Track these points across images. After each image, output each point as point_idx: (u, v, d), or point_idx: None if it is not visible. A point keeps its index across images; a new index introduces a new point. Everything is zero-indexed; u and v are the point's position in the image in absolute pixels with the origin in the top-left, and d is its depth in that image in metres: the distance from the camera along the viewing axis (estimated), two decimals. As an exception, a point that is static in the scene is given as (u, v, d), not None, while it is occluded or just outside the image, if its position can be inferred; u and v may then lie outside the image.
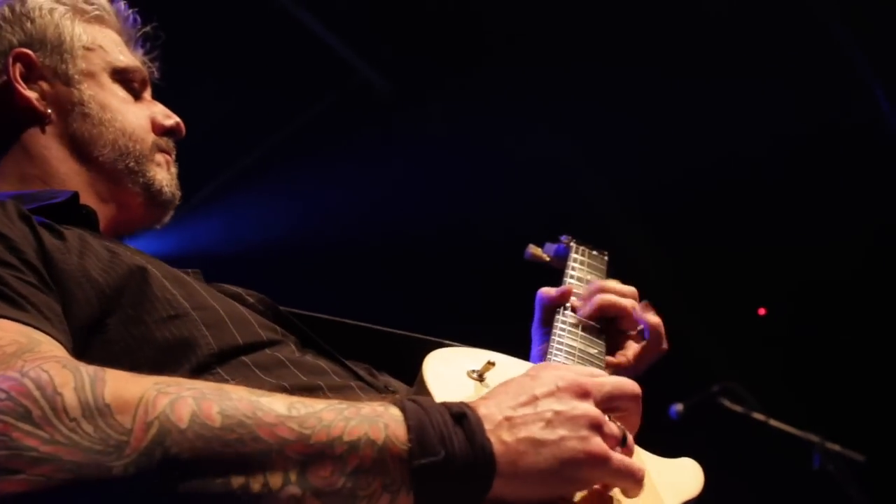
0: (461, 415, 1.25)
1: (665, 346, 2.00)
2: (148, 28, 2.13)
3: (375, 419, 1.23)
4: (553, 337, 1.87)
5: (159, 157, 1.98)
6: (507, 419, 1.26)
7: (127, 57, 2.03)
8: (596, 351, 1.86)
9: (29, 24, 1.94)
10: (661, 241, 6.31)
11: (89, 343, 1.42)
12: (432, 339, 1.72)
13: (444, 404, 1.27)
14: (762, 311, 6.73)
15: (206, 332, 1.54)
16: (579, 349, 1.84)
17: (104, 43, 2.00)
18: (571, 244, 2.35)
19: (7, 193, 1.70)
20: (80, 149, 1.91)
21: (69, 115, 1.92)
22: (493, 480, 1.23)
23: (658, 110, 5.47)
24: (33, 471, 1.10)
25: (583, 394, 1.32)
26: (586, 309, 1.98)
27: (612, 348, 1.98)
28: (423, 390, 1.43)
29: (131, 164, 1.93)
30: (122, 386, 1.18)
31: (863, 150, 5.69)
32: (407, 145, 5.80)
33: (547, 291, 2.07)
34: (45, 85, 1.93)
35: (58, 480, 1.10)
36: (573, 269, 2.21)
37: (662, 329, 2.00)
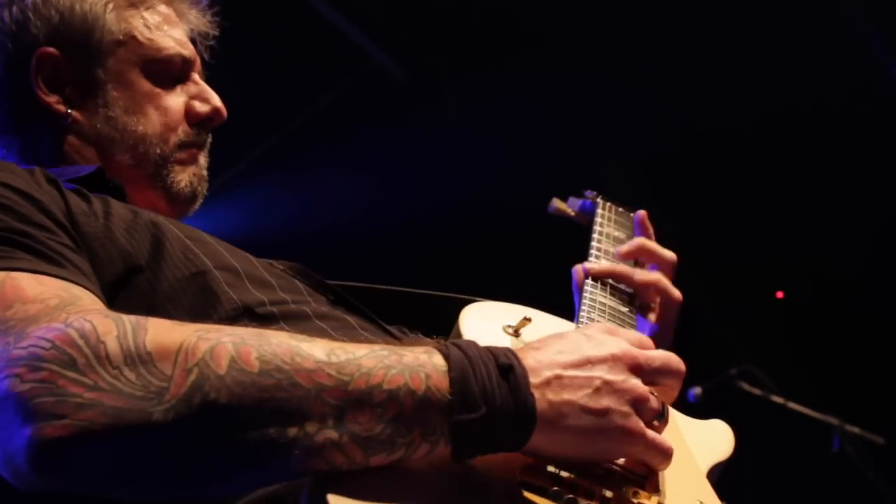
0: (508, 367, 1.24)
1: (677, 295, 2.01)
2: None
3: (417, 368, 1.22)
4: (585, 294, 1.87)
5: (183, 155, 1.93)
6: (557, 378, 1.26)
7: (166, 40, 1.93)
8: (627, 309, 1.86)
9: (57, 19, 1.87)
10: (679, 224, 6.28)
11: (115, 301, 1.43)
12: (465, 296, 1.70)
13: (491, 352, 1.26)
14: (780, 294, 6.71)
15: (228, 289, 1.55)
16: (610, 307, 1.84)
17: (139, 31, 1.90)
18: (598, 199, 2.32)
19: (30, 168, 1.68)
20: (101, 150, 1.87)
21: (92, 118, 1.87)
22: (532, 436, 1.23)
23: (679, 90, 5.45)
24: (77, 416, 1.13)
25: (635, 367, 1.33)
26: (625, 249, 2.04)
27: (640, 308, 1.99)
28: None
29: (150, 169, 1.89)
30: (163, 333, 1.20)
31: (885, 131, 5.66)
32: (423, 132, 5.80)
33: (578, 270, 2.05)
34: (68, 87, 1.88)
35: (100, 425, 1.13)
36: (600, 224, 2.19)
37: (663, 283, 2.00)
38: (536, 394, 1.24)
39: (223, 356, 1.17)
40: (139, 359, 1.17)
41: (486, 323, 1.50)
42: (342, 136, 5.84)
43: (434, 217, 5.85)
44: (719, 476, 1.52)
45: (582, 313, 1.80)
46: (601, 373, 1.29)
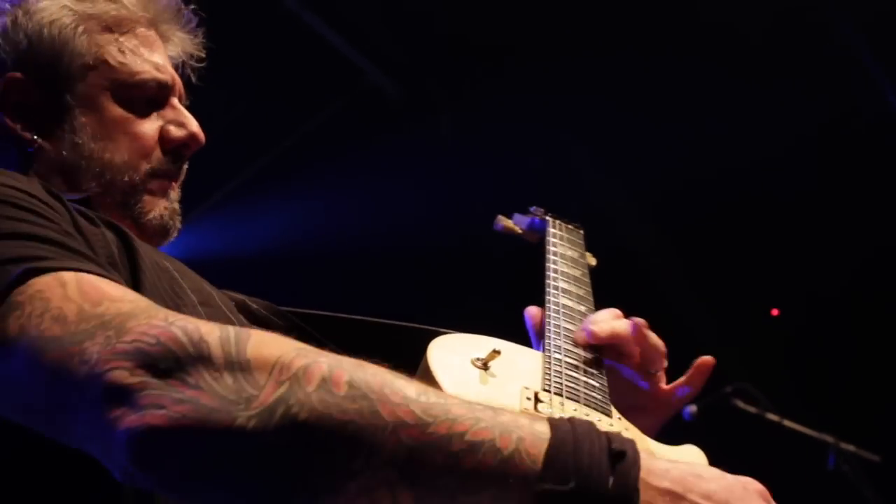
0: (619, 454, 1.14)
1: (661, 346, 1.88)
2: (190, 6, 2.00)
3: (511, 428, 1.15)
4: (548, 320, 1.81)
5: (153, 185, 1.85)
6: (678, 496, 1.17)
7: (144, 64, 1.86)
8: (592, 356, 1.75)
9: (25, 44, 1.80)
10: (673, 242, 6.30)
11: None
12: (431, 328, 1.67)
13: (608, 436, 1.16)
14: (775, 312, 6.71)
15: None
16: (574, 331, 1.78)
17: (111, 55, 1.83)
18: (547, 217, 2.29)
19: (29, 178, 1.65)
20: (69, 177, 1.80)
21: (59, 143, 1.80)
22: None
23: (669, 111, 5.46)
24: (174, 408, 1.15)
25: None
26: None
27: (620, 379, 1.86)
28: (429, 378, 1.41)
29: (118, 197, 1.81)
30: (265, 344, 1.21)
31: (877, 151, 5.67)
32: (416, 150, 5.80)
33: (533, 315, 1.98)
34: (36, 114, 1.81)
35: (191, 420, 1.14)
36: (554, 244, 2.16)
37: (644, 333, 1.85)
38: (645, 494, 1.14)
39: (316, 374, 1.17)
40: (238, 365, 1.18)
41: (453, 357, 1.47)
42: (335, 155, 5.83)
43: (425, 237, 5.83)
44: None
45: (549, 318, 1.77)
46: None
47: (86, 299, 1.27)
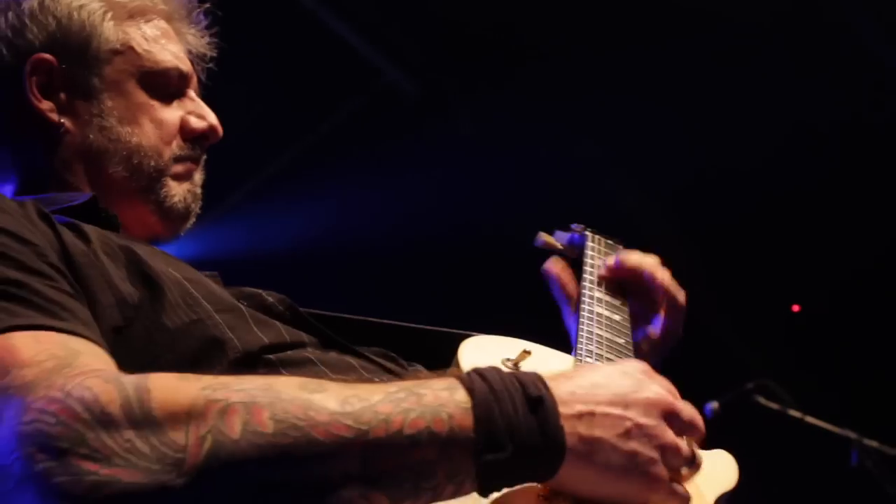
0: (537, 399, 1.21)
1: (682, 299, 2.02)
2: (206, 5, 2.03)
3: (438, 409, 1.19)
4: (581, 326, 1.84)
5: (178, 168, 1.89)
6: (590, 413, 1.24)
7: (163, 54, 1.89)
8: (623, 341, 1.85)
9: (54, 26, 1.83)
10: (693, 237, 6.28)
11: (115, 350, 1.37)
12: (458, 331, 1.68)
13: (519, 381, 1.23)
14: (796, 308, 6.68)
15: (232, 335, 1.52)
16: (607, 338, 1.82)
17: (137, 42, 1.86)
18: (587, 233, 2.33)
19: (25, 197, 1.64)
20: (94, 162, 1.82)
21: (86, 127, 1.83)
22: (559, 470, 1.21)
23: (689, 104, 5.44)
24: (97, 494, 1.09)
25: (669, 414, 1.30)
26: (605, 272, 2.02)
27: (637, 321, 1.99)
28: None
29: (143, 182, 1.84)
30: (169, 395, 1.16)
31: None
32: (434, 149, 5.79)
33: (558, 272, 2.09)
34: (63, 94, 1.83)
35: (119, 502, 1.09)
36: (591, 256, 2.19)
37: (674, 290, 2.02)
38: (567, 426, 1.22)
39: (235, 420, 1.13)
40: (148, 427, 1.12)
41: (484, 356, 1.47)
42: (353, 154, 5.84)
43: (443, 237, 5.83)
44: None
45: (582, 324, 1.82)
46: (635, 415, 1.27)
47: None
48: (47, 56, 1.83)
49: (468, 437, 1.18)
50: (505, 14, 5.27)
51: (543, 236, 2.40)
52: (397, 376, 1.63)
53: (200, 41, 2.01)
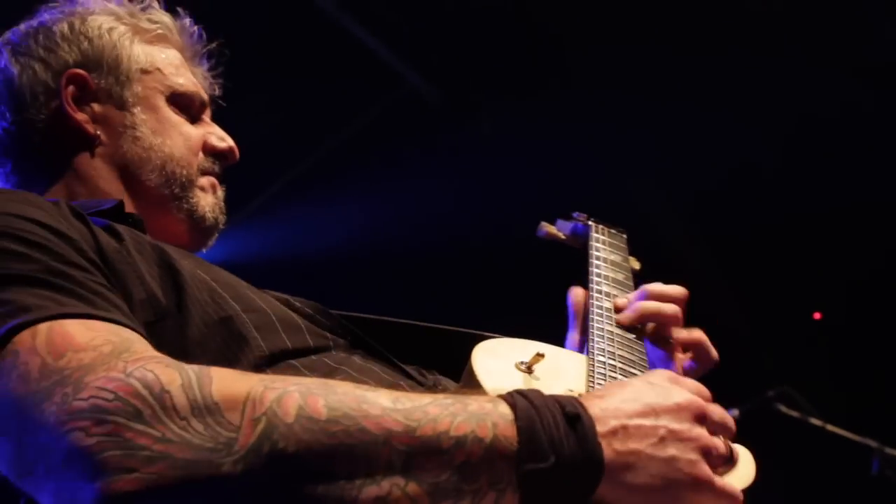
0: (575, 416, 1.23)
1: (714, 356, 1.92)
2: (213, 45, 2.12)
3: (483, 416, 1.22)
4: (592, 323, 1.84)
5: (204, 181, 1.97)
6: (623, 427, 1.26)
7: (186, 79, 2.01)
8: (633, 335, 1.83)
9: (86, 44, 1.93)
10: (714, 245, 6.26)
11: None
12: (476, 332, 1.71)
13: (557, 401, 1.25)
14: (818, 316, 6.66)
15: (257, 335, 1.54)
16: (618, 334, 1.81)
17: (163, 65, 1.98)
18: (590, 223, 2.31)
19: (55, 201, 1.66)
20: (128, 172, 1.89)
21: (119, 138, 1.90)
22: (599, 486, 1.23)
23: (713, 114, 5.43)
24: (147, 469, 1.10)
25: (699, 416, 1.32)
26: (627, 315, 1.88)
27: (656, 350, 1.92)
28: (474, 384, 1.43)
29: (176, 189, 1.91)
30: (229, 383, 1.19)
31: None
32: (457, 152, 5.80)
33: (576, 294, 2.04)
34: (97, 107, 1.91)
35: (170, 478, 1.11)
36: (597, 249, 2.17)
37: (705, 342, 1.91)
38: (603, 443, 1.23)
39: (291, 404, 1.16)
40: (206, 409, 1.15)
41: (498, 361, 1.49)
42: (375, 159, 5.85)
43: (466, 240, 5.84)
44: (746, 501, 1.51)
45: (593, 321, 1.81)
46: (666, 422, 1.28)
47: (50, 351, 1.23)
48: (81, 71, 1.91)
49: (511, 446, 1.20)
50: (527, 16, 5.28)
51: (546, 226, 2.38)
52: (417, 382, 1.65)
53: (208, 83, 2.10)
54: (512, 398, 1.25)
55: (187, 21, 2.09)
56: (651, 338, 1.89)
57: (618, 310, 1.92)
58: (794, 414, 4.96)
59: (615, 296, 1.98)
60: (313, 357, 1.59)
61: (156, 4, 2.05)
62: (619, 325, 1.87)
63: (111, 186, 1.89)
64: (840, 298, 6.28)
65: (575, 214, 2.37)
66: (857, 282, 6.05)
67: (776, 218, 5.95)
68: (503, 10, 5.28)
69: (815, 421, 4.95)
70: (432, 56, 5.61)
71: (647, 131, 5.57)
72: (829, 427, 4.96)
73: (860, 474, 4.93)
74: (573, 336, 2.05)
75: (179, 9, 2.09)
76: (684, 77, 5.34)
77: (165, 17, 2.04)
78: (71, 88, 1.90)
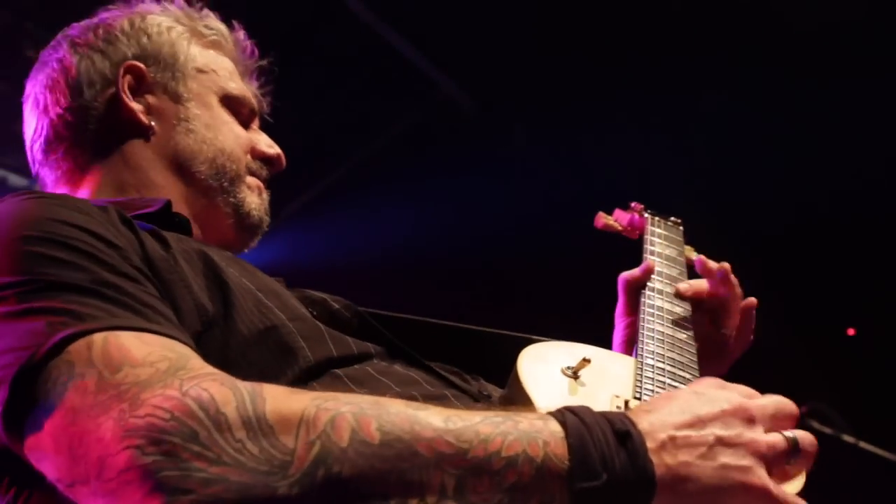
0: (625, 433, 1.23)
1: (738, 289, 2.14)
2: (264, 62, 2.15)
3: (534, 435, 1.21)
4: (642, 322, 1.86)
5: (251, 181, 2.00)
6: (671, 439, 1.25)
7: (238, 85, 2.05)
8: (685, 336, 1.84)
9: (145, 39, 1.98)
10: (748, 259, 6.22)
11: None
12: (521, 335, 1.71)
13: (607, 418, 1.25)
14: (852, 332, 6.60)
15: (304, 344, 1.55)
16: (669, 335, 1.81)
17: (217, 67, 2.03)
18: (646, 214, 2.30)
19: (103, 200, 1.69)
20: (179, 163, 1.92)
21: (173, 130, 1.94)
22: (652, 502, 1.22)
23: (750, 122, 5.41)
24: (204, 491, 1.11)
25: (748, 419, 1.31)
26: (683, 288, 2.05)
27: (702, 330, 2.01)
28: (519, 391, 1.43)
29: (225, 183, 1.94)
30: (283, 403, 1.19)
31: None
32: (492, 163, 5.80)
33: (630, 273, 2.10)
34: (152, 99, 1.95)
35: (227, 501, 1.11)
36: (652, 242, 2.18)
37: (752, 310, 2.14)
38: (654, 458, 1.23)
39: (344, 428, 1.16)
40: (261, 431, 1.15)
41: (543, 366, 1.49)
42: (409, 167, 5.86)
43: (500, 247, 5.84)
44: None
45: (643, 320, 1.83)
46: (714, 430, 1.27)
47: (107, 364, 1.24)
48: (139, 63, 1.96)
49: (563, 464, 1.20)
50: (558, 23, 5.28)
51: (603, 217, 2.37)
52: (461, 390, 1.65)
53: (255, 99, 2.13)
54: (562, 415, 1.25)
55: (241, 34, 2.13)
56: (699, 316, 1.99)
57: (660, 290, 2.00)
58: (827, 430, 4.92)
59: (667, 293, 1.98)
60: (357, 366, 1.59)
61: (211, 14, 2.10)
62: (669, 312, 1.92)
63: (160, 176, 1.92)
64: (874, 314, 6.23)
65: (632, 204, 2.36)
66: (892, 297, 5.99)
67: (812, 232, 5.91)
68: (536, 20, 5.28)
69: (848, 438, 4.91)
70: (467, 65, 5.62)
71: (682, 141, 5.54)
72: (862, 444, 4.92)
73: (893, 492, 4.89)
74: (622, 317, 2.14)
75: (235, 22, 2.13)
76: (721, 87, 5.32)
77: (222, 26, 2.09)
78: (128, 78, 1.95)
